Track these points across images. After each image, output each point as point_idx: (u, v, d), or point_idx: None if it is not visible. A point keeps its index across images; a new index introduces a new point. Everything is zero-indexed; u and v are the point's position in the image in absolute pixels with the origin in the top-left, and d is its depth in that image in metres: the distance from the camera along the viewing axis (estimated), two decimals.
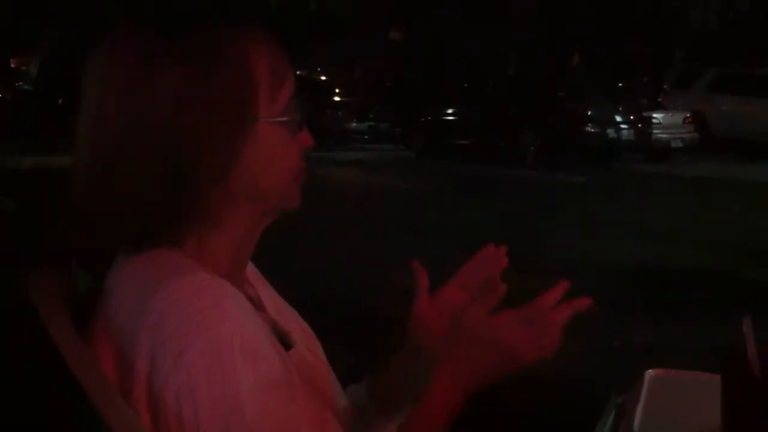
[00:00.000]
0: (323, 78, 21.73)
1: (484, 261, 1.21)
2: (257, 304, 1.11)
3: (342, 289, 5.86)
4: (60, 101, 15.20)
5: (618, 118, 16.08)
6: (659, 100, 19.53)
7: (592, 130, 15.50)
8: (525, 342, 1.05)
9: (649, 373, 1.39)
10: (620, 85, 22.34)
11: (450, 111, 17.26)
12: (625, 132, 15.96)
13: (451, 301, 1.19)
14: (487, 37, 25.66)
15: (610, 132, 15.65)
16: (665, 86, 21.25)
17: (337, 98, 20.02)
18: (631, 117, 16.37)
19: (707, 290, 6.36)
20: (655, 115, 17.37)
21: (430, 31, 26.23)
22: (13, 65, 20.54)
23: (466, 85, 19.16)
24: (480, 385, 1.07)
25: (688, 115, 17.98)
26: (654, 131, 16.94)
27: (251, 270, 1.19)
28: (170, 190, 1.00)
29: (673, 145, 17.37)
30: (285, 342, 1.09)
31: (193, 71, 1.00)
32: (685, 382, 1.39)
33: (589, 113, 15.69)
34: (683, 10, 24.84)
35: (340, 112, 19.14)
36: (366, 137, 19.06)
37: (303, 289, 4.38)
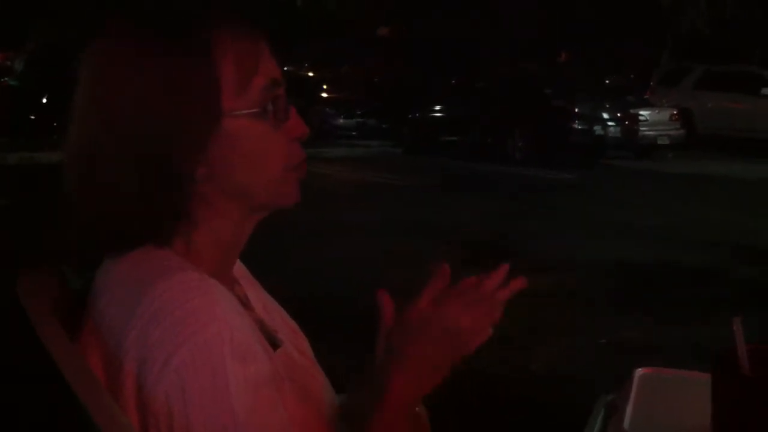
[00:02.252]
0: (311, 74, 21.70)
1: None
2: (245, 303, 1.11)
3: (336, 288, 5.85)
4: (45, 99, 15.13)
5: (605, 115, 16.12)
6: (646, 96, 19.59)
7: (580, 127, 15.53)
8: (472, 324, 1.04)
9: (639, 371, 1.39)
10: (607, 81, 22.40)
11: (438, 108, 17.28)
12: (612, 129, 16.01)
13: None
14: (476, 34, 25.68)
15: (598, 129, 15.68)
16: (652, 83, 21.32)
17: (324, 94, 20.02)
18: (618, 114, 16.42)
19: (695, 288, 6.38)
20: (642, 112, 17.42)
21: (419, 28, 26.24)
22: None
23: (454, 81, 19.18)
24: (438, 377, 1.05)
25: (675, 111, 18.05)
26: (641, 128, 17.00)
27: (239, 268, 1.18)
28: (149, 189, 0.99)
29: (659, 141, 17.43)
30: (272, 341, 1.09)
31: (154, 67, 0.99)
32: (675, 380, 1.39)
33: (577, 110, 15.73)
34: (673, 10, 24.92)
35: (327, 109, 19.13)
36: (354, 133, 19.06)
37: (297, 287, 4.39)
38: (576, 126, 15.51)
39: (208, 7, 1.04)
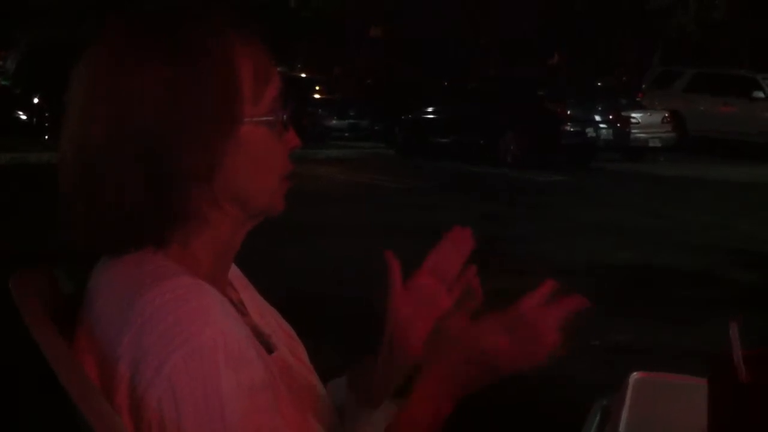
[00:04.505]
0: (303, 75, 21.68)
1: (451, 244, 1.18)
2: (240, 308, 1.10)
3: (328, 289, 5.84)
4: (36, 98, 15.09)
5: (597, 117, 16.17)
6: (638, 99, 19.65)
7: (572, 129, 15.56)
8: (508, 348, 1.02)
9: (634, 375, 1.39)
10: (599, 84, 22.46)
11: (431, 109, 17.29)
12: (604, 131, 16.05)
13: (424, 288, 1.15)
14: (469, 35, 25.71)
15: (590, 131, 15.73)
16: (644, 86, 21.37)
17: (317, 95, 20.00)
18: (610, 116, 16.47)
19: (690, 291, 6.40)
20: (633, 114, 17.48)
21: (412, 29, 26.25)
22: None
23: (447, 83, 19.19)
24: (465, 392, 1.05)
25: (667, 114, 18.11)
26: (632, 130, 17.05)
27: (234, 272, 1.17)
28: (150, 190, 0.98)
29: (651, 144, 17.50)
30: (267, 346, 1.08)
31: (173, 71, 0.98)
32: (670, 385, 1.39)
33: (569, 112, 15.76)
34: (664, 12, 24.99)
35: (320, 110, 19.10)
36: (346, 134, 19.05)
37: (290, 288, 4.38)
38: (568, 128, 15.55)
39: (228, 15, 1.04)
